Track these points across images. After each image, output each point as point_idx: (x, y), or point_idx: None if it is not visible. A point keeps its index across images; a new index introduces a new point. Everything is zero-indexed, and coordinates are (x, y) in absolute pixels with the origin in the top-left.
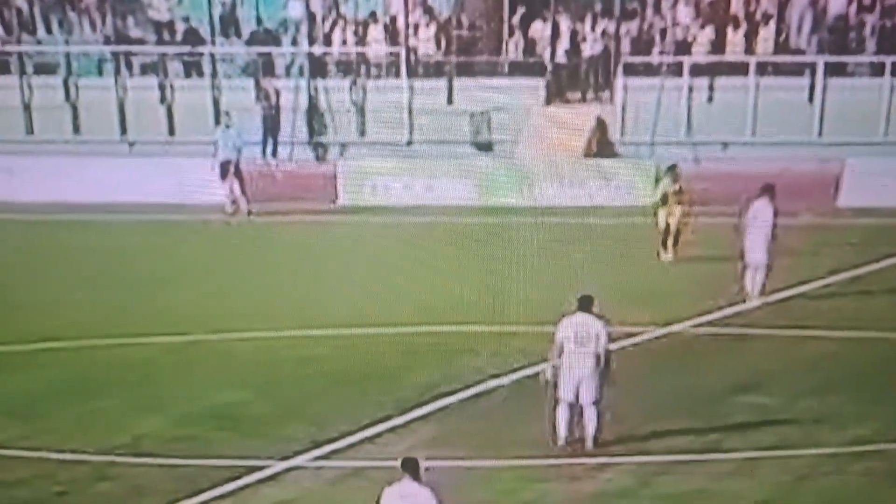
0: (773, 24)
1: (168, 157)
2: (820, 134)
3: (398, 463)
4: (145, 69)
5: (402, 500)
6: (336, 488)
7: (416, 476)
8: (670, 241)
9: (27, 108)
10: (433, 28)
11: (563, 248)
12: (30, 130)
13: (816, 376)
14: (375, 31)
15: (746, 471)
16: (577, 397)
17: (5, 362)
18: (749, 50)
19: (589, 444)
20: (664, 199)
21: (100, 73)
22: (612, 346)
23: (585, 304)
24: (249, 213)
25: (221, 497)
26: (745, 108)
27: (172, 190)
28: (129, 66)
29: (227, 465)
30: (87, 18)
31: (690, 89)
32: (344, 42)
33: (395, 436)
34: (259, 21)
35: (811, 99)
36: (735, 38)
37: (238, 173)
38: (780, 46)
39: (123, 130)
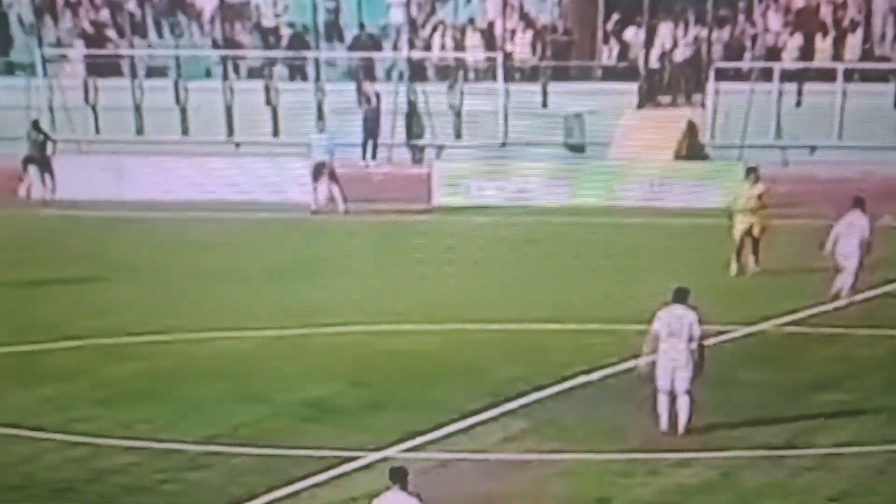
0: (860, 31)
1: (271, 158)
2: None
3: (491, 455)
4: (252, 73)
5: None
6: (426, 479)
7: (403, 486)
8: (748, 249)
9: (138, 109)
10: (530, 34)
11: (653, 247)
12: (140, 131)
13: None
14: (473, 37)
15: (826, 466)
16: (672, 386)
17: (112, 354)
18: (837, 56)
19: (681, 430)
20: (741, 203)
21: (208, 76)
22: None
23: (680, 296)
24: (346, 211)
25: (315, 486)
26: (832, 112)
27: (274, 189)
28: (237, 69)
29: (320, 455)
30: (197, 23)
31: (780, 94)
32: (443, 47)
33: (485, 428)
34: (362, 27)
35: None
36: (823, 44)
37: (332, 174)
38: (867, 53)
39: (230, 132)
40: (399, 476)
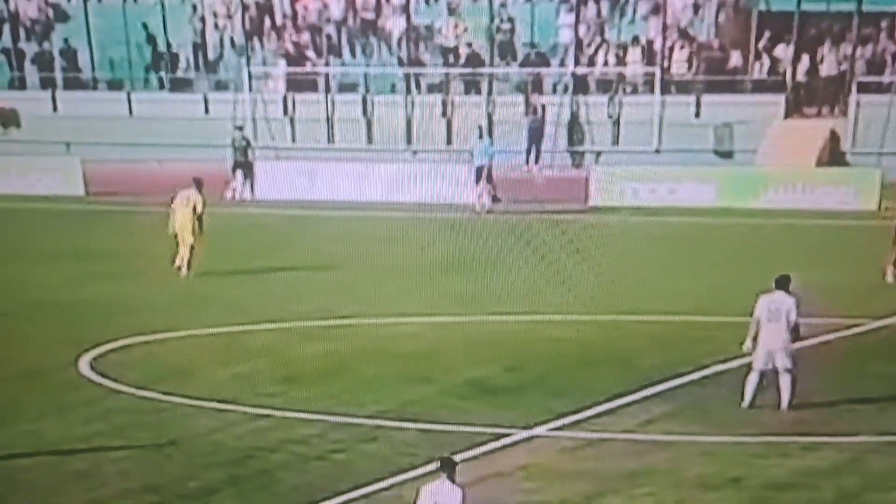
0: None
1: (444, 164)
2: None
3: (635, 435)
4: (431, 88)
5: (432, 496)
6: (572, 456)
7: (451, 476)
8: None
9: (329, 120)
10: (686, 50)
11: (792, 247)
12: (331, 140)
13: None
14: (634, 53)
15: None
16: (768, 367)
17: (302, 335)
18: None
19: (784, 406)
20: None
21: (393, 91)
22: (830, 337)
23: (782, 283)
24: (489, 211)
25: (472, 459)
26: None
27: (446, 191)
28: (418, 85)
29: (477, 431)
30: (386, 44)
31: None
32: (605, 63)
33: (630, 410)
34: (533, 45)
35: None
36: None
37: (490, 177)
38: None
39: (409, 140)
40: (448, 466)
